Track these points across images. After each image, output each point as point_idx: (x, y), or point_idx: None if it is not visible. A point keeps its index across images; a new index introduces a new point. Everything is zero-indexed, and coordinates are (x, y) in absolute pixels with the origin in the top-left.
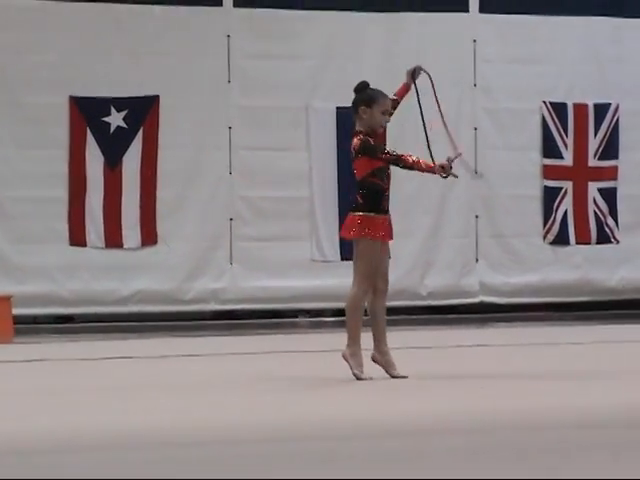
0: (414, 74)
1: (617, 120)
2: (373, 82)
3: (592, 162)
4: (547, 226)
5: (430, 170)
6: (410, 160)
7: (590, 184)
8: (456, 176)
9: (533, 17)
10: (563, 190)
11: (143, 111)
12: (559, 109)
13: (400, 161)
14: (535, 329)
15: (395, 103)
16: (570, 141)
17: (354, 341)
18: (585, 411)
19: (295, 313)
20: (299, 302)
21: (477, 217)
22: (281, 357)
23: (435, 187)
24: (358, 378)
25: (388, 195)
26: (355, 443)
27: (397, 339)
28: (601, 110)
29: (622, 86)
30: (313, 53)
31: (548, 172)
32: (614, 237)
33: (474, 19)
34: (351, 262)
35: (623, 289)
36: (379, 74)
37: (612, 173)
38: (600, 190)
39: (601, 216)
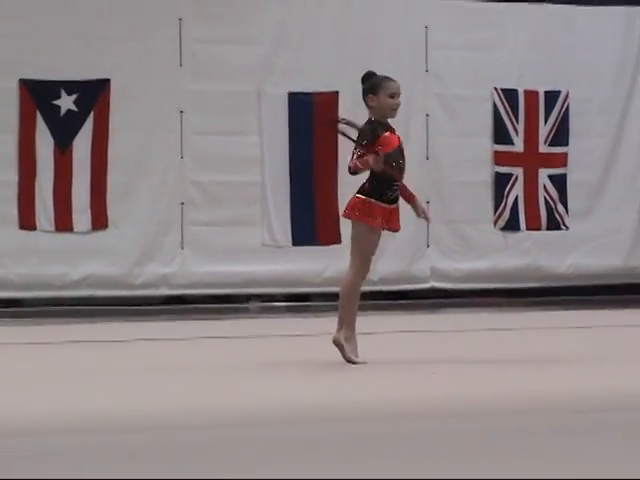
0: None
1: (567, 107)
2: (324, 68)
3: (542, 148)
4: (498, 212)
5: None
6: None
7: (540, 170)
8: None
9: (485, 4)
10: (514, 176)
11: (94, 94)
12: (510, 96)
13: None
14: (485, 315)
15: None
16: (521, 127)
17: (349, 326)
18: (535, 395)
19: (246, 298)
20: (250, 287)
21: (428, 203)
22: (232, 342)
23: None
24: (353, 362)
25: (398, 186)
26: (306, 428)
27: None
28: (552, 97)
29: (573, 73)
30: (265, 38)
31: (499, 158)
32: (564, 223)
33: (426, 5)
34: (302, 247)
35: (572, 275)
36: (331, 60)
37: (562, 160)
38: (550, 176)
39: (551, 202)
